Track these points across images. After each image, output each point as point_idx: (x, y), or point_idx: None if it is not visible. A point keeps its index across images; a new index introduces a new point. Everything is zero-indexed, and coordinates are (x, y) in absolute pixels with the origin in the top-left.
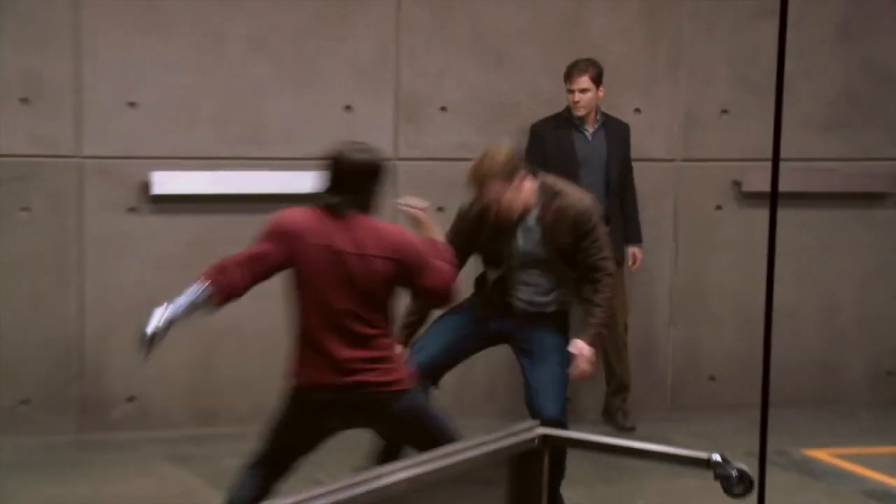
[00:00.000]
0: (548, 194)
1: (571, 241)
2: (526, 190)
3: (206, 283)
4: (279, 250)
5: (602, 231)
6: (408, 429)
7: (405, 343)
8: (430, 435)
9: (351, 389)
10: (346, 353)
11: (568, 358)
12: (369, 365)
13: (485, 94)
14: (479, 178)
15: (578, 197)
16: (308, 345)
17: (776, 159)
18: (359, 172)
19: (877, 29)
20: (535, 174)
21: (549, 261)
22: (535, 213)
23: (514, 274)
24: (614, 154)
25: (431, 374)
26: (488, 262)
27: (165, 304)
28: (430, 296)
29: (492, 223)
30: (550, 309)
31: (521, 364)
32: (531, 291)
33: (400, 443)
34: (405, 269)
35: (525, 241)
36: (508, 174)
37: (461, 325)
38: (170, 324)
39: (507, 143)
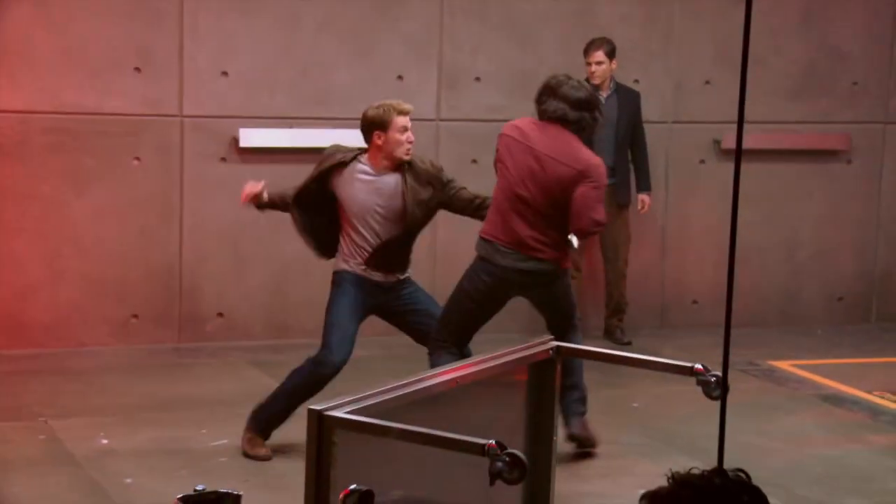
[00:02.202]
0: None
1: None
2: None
3: None
4: None
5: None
6: (558, 303)
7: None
8: (566, 312)
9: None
10: (525, 232)
11: None
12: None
13: (512, 67)
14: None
15: (424, 160)
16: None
17: (740, 123)
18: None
19: (833, 16)
20: None
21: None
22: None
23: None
24: (623, 116)
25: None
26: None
27: None
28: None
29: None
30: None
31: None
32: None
33: (548, 314)
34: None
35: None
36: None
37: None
38: None
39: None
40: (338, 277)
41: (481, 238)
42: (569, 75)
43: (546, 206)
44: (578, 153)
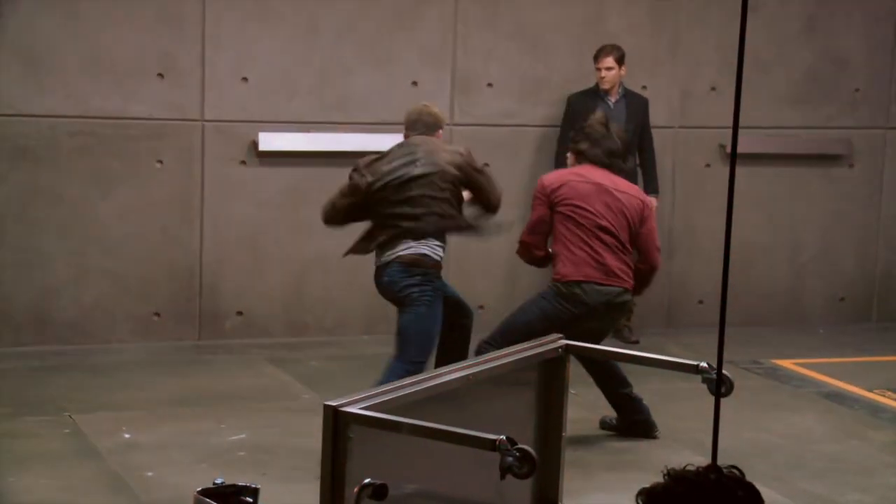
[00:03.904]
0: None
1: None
2: None
3: None
4: None
5: None
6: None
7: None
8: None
9: None
10: (613, 262)
11: None
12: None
13: (523, 73)
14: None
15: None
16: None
17: (735, 130)
18: None
19: (835, 24)
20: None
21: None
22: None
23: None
24: (631, 120)
25: None
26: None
27: None
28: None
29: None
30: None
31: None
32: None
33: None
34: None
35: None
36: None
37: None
38: None
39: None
40: (430, 276)
41: (577, 281)
42: (600, 124)
43: (626, 234)
44: (632, 185)
